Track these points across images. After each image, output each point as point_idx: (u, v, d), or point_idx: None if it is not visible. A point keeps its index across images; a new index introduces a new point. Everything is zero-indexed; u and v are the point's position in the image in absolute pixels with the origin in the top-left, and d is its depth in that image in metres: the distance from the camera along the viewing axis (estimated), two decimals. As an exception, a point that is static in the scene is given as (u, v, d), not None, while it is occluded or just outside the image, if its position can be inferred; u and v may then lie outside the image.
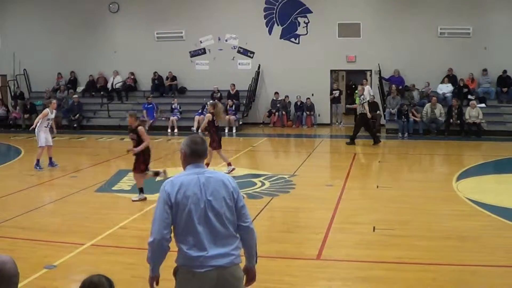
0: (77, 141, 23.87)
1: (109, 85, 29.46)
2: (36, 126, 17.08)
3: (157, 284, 4.92)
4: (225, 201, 4.82)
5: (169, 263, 4.87)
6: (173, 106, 27.15)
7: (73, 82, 30.17)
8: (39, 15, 30.73)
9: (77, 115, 27.63)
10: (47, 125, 17.18)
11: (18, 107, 29.40)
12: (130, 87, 29.15)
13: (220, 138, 16.01)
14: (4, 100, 30.71)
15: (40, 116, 17.26)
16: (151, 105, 26.98)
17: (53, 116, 17.32)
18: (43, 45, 30.22)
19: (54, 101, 17.97)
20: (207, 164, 15.16)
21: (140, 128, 12.79)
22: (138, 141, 12.81)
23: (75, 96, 28.26)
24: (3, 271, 3.76)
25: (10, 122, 29.02)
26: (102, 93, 29.10)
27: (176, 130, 26.46)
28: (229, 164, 15.90)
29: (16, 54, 30.60)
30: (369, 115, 21.60)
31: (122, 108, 28.31)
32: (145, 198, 12.80)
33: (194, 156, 4.99)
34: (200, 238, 4.72)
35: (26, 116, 28.37)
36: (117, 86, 29.17)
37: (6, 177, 16.52)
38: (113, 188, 14.22)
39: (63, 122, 27.75)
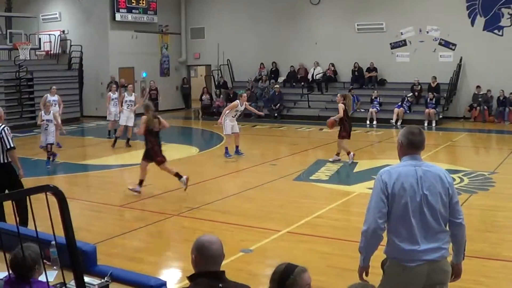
0: (277, 130, 24.43)
1: (309, 76, 29.81)
2: (223, 116, 17.66)
3: (366, 275, 4.92)
4: (440, 196, 4.75)
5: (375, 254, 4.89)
6: (372, 98, 26.98)
7: (274, 73, 30.84)
8: (243, 6, 31.75)
9: (278, 105, 28.24)
10: (235, 115, 17.69)
11: (221, 96, 30.61)
12: (330, 78, 29.31)
13: (350, 129, 16.36)
14: (208, 88, 32.06)
15: (228, 106, 17.82)
16: (351, 97, 26.97)
17: (242, 108, 17.76)
18: (246, 36, 31.22)
19: (245, 94, 18.46)
20: (337, 154, 16.22)
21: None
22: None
23: (277, 86, 28.88)
24: (209, 250, 3.97)
25: (214, 110, 30.24)
26: (302, 83, 29.52)
27: (375, 122, 26.29)
28: (337, 154, 16.31)
29: (220, 45, 31.81)
30: None
31: (322, 99, 28.55)
32: (139, 192, 12.79)
33: (410, 147, 4.92)
34: (413, 231, 4.69)
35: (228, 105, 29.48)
36: (317, 77, 29.45)
37: (208, 163, 17.30)
38: (311, 178, 14.41)
39: (265, 111, 28.47)
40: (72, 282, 3.86)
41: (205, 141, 23.14)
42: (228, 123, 17.52)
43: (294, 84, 29.94)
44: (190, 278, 3.96)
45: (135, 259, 8.66)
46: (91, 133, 24.79)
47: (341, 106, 16.08)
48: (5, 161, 9.57)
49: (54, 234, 3.22)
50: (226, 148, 17.61)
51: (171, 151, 18.60)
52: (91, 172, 16.61)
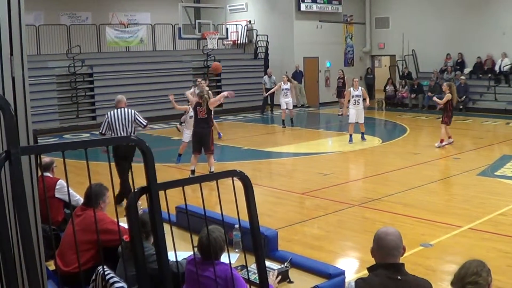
0: (462, 123, 23.65)
1: (496, 68, 28.61)
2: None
3: None
4: None
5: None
6: None
7: (460, 64, 29.88)
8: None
9: (463, 97, 27.34)
10: (354, 102, 18.53)
11: (406, 87, 30.11)
12: (519, 71, 27.98)
13: (452, 116, 17.63)
14: (393, 79, 31.64)
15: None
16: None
17: (356, 92, 18.59)
18: (431, 26, 30.37)
19: (357, 79, 19.57)
20: (442, 141, 17.49)
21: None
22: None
23: (462, 77, 27.96)
24: (383, 241, 3.97)
25: (397, 101, 29.89)
26: (489, 75, 28.40)
27: None
28: (441, 141, 17.45)
29: (405, 35, 31.30)
30: None
31: (509, 92, 27.32)
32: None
33: None
34: None
35: (413, 95, 29.03)
36: (505, 69, 28.18)
37: (391, 154, 17.15)
38: (496, 173, 13.89)
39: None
40: (253, 266, 4.01)
41: (388, 132, 22.90)
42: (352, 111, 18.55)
43: (480, 75, 28.84)
44: (370, 269, 4.00)
45: (315, 246, 8.79)
46: (276, 121, 25.27)
47: (447, 96, 17.28)
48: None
49: (239, 218, 3.35)
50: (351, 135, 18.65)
51: (354, 142, 18.67)
52: (274, 159, 16.98)
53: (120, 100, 11.62)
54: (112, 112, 11.37)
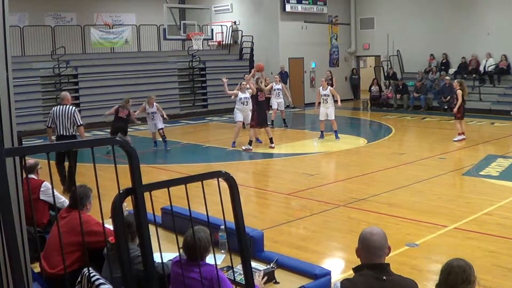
0: (447, 123, 23.63)
1: (481, 68, 28.71)
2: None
3: None
4: None
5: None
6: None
7: (445, 64, 29.97)
8: (413, -4, 31.09)
9: (448, 97, 27.44)
10: (323, 101, 19.38)
11: (390, 87, 30.19)
12: (502, 71, 28.08)
13: (464, 111, 18.79)
14: (377, 79, 31.72)
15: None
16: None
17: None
18: (416, 27, 30.43)
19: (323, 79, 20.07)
20: (463, 133, 18.73)
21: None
22: None
23: (447, 78, 28.04)
24: (369, 241, 3.97)
25: (382, 101, 29.97)
26: (474, 75, 28.51)
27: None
28: (459, 134, 18.59)
29: (390, 35, 31.39)
30: None
31: (494, 92, 27.47)
32: None
33: None
34: None
35: (398, 96, 29.11)
36: (489, 69, 28.31)
37: (376, 154, 17.18)
38: (481, 173, 13.94)
39: (434, 103, 27.96)
40: (239, 266, 4.00)
41: (373, 133, 22.94)
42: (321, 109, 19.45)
43: (465, 76, 28.90)
44: (355, 269, 3.99)
45: (300, 247, 8.79)
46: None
47: (459, 93, 18.31)
48: (72, 134, 12.07)
49: (224, 219, 3.34)
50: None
51: (339, 142, 18.72)
52: (260, 160, 16.95)
53: (63, 97, 12.56)
54: (55, 108, 12.35)
